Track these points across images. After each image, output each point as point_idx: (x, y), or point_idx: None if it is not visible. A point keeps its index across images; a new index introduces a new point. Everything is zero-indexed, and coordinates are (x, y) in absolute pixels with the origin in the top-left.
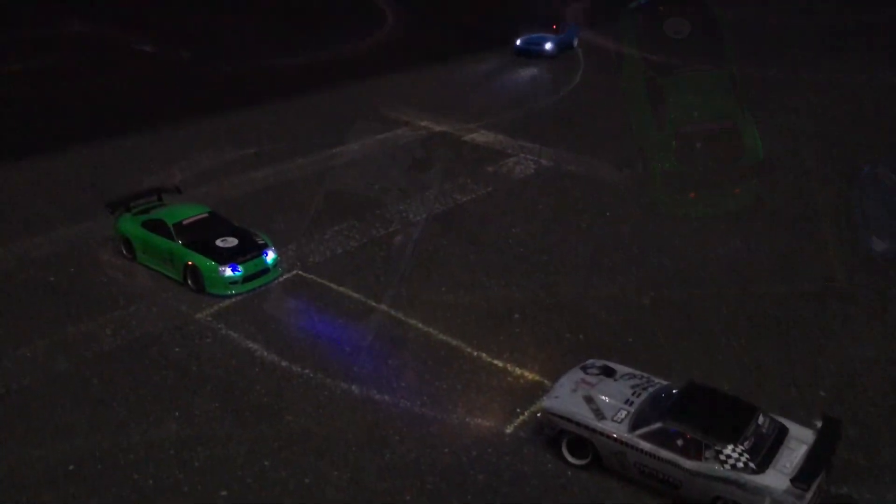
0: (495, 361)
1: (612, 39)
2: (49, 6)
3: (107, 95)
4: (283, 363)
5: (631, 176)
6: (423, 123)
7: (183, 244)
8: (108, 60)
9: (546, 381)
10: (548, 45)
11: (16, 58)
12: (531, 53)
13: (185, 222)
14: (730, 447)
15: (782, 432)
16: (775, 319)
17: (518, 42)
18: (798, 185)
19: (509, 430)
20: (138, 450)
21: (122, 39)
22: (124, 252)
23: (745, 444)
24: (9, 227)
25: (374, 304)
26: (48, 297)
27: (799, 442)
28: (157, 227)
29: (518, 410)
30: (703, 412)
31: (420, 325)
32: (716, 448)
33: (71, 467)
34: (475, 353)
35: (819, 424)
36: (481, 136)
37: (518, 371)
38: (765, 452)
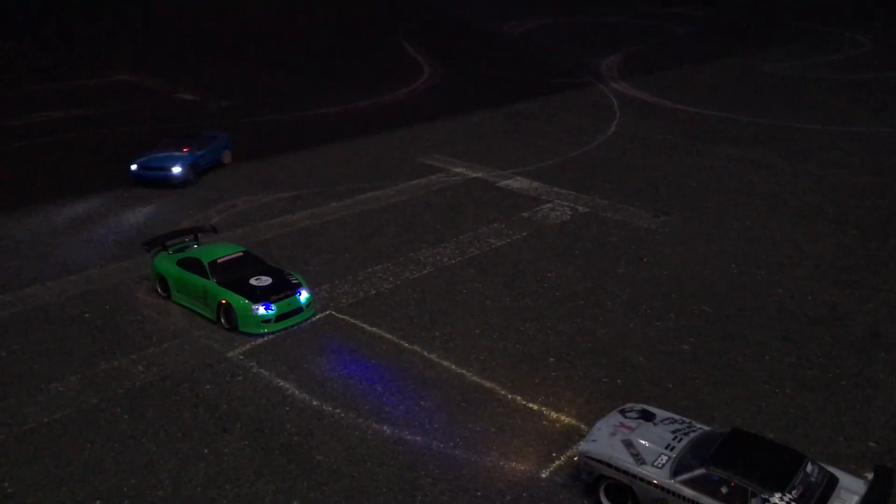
0: (530, 405)
1: (646, 91)
2: (98, 57)
3: (148, 140)
4: (314, 402)
5: (668, 223)
6: (458, 170)
7: (217, 282)
8: (151, 107)
9: (583, 426)
10: (175, 170)
11: (62, 105)
12: (152, 181)
13: (219, 261)
14: (777, 495)
15: (832, 482)
16: (821, 369)
17: (133, 167)
18: (840, 235)
19: (545, 474)
20: (166, 486)
21: (165, 88)
22: (159, 290)
23: (794, 492)
24: (48, 266)
25: (407, 345)
26: (82, 334)
27: (850, 492)
28: (192, 265)
29: (554, 454)
30: (748, 459)
31: (454, 367)
32: (763, 496)
33: (98, 503)
34: (510, 396)
35: (870, 475)
36: (516, 183)
37: (554, 415)
38: (814, 502)
